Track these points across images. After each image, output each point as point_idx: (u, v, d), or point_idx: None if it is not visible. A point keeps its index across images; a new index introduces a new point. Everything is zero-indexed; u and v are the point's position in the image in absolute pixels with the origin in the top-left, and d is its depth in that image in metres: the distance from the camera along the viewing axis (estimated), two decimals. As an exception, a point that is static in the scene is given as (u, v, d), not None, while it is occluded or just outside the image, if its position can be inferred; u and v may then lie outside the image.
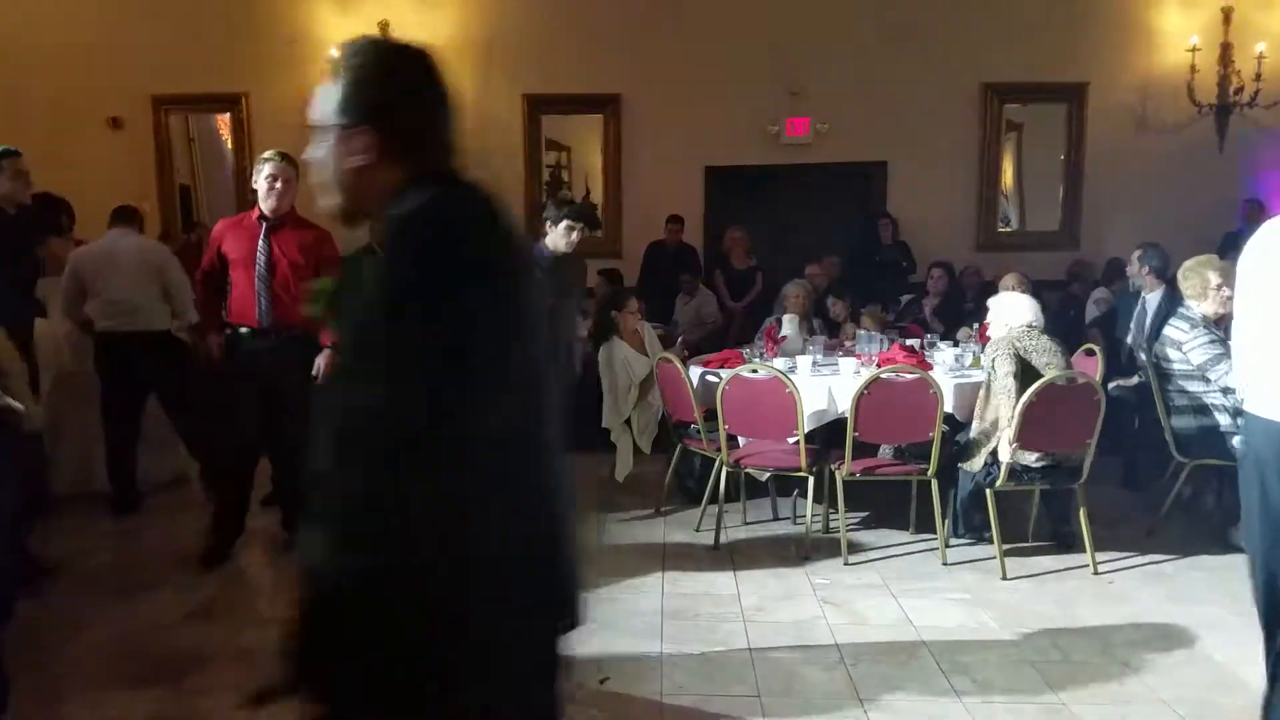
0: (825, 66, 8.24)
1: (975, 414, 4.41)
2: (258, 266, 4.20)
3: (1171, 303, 5.48)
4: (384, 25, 8.25)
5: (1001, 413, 4.13)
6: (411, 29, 8.29)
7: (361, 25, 8.27)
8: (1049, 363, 4.20)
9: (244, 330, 4.24)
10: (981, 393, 4.38)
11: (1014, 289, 5.44)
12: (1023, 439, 4.06)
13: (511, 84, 8.40)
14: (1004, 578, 4.11)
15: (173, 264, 5.21)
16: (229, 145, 8.63)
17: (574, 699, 3.00)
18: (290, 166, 4.18)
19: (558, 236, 4.60)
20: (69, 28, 8.34)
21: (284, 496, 4.48)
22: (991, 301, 4.64)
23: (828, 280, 7.36)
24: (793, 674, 3.25)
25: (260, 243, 4.21)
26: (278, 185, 4.19)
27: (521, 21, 8.30)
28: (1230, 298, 4.61)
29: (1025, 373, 4.15)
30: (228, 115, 8.62)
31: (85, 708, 3.05)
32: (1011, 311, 4.40)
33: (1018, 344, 4.23)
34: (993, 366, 4.24)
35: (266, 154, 4.27)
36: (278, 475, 4.52)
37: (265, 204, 4.21)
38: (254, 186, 4.28)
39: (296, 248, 4.24)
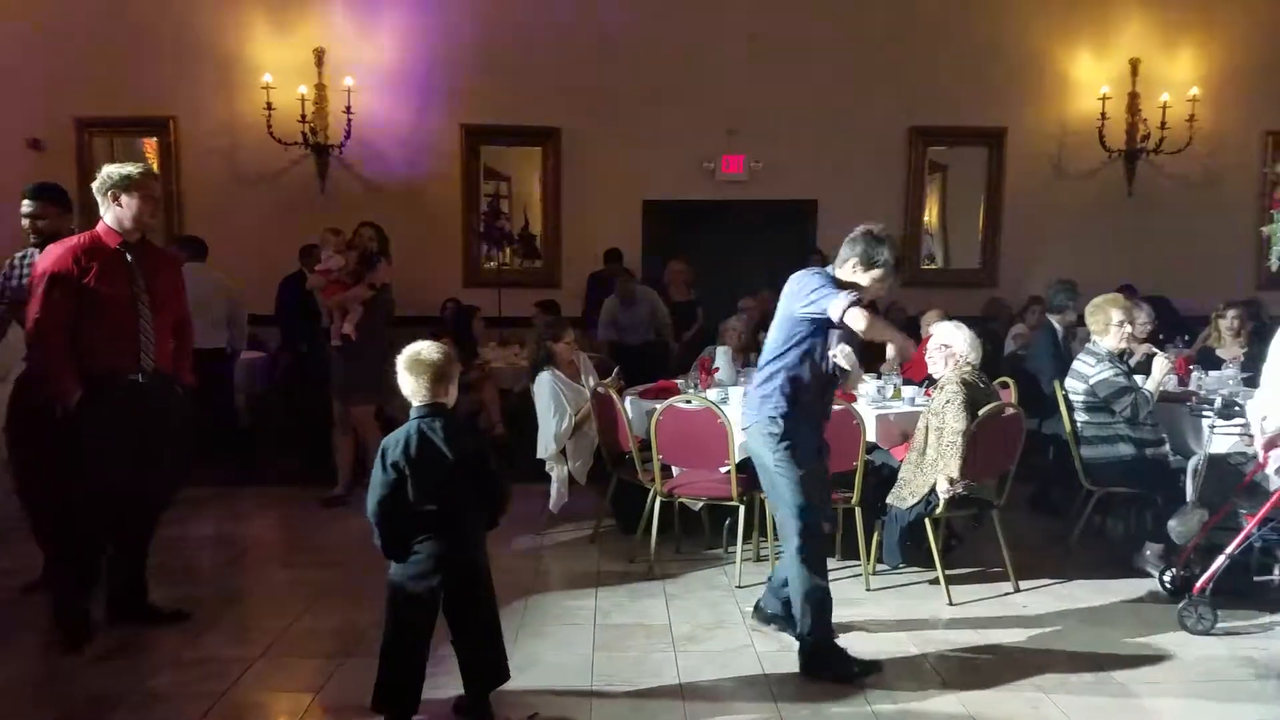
0: (760, 107, 8.49)
1: (914, 448, 4.39)
2: (140, 304, 3.71)
3: (1055, 335, 5.78)
4: (320, 52, 8.25)
5: (946, 458, 4.14)
6: (349, 56, 8.32)
7: (297, 51, 8.27)
8: (981, 398, 4.28)
9: (120, 379, 3.66)
10: (921, 433, 4.34)
11: (936, 325, 5.62)
12: (966, 469, 4.14)
13: (450, 114, 8.47)
14: (950, 602, 4.23)
15: None
16: (156, 169, 8.47)
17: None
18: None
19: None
20: (-9, 47, 8.18)
21: (129, 557, 3.95)
22: (940, 333, 4.58)
23: (760, 314, 7.52)
24: (721, 704, 3.31)
25: (134, 274, 3.70)
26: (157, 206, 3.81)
27: (461, 52, 8.38)
28: (1131, 334, 4.90)
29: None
30: (154, 139, 8.49)
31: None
32: (965, 347, 4.40)
33: (967, 393, 4.21)
34: (943, 413, 4.19)
35: (138, 168, 3.76)
36: (126, 530, 3.92)
37: (134, 226, 3.71)
38: (119, 205, 3.69)
39: (164, 278, 3.84)
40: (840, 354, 3.52)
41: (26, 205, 4.04)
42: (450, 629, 3.06)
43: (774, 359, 3.55)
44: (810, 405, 3.57)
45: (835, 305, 3.31)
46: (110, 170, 3.75)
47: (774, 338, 3.59)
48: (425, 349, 2.99)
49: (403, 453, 2.91)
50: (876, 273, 3.47)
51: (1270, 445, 3.73)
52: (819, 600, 3.49)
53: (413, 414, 2.98)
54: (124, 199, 3.69)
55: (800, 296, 3.44)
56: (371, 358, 5.63)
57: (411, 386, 2.97)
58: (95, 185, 3.74)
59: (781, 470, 3.49)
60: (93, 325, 3.63)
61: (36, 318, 3.60)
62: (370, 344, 5.70)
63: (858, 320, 3.28)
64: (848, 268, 3.50)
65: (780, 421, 3.49)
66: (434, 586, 2.95)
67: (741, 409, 3.78)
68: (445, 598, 2.97)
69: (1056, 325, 5.93)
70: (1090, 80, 8.71)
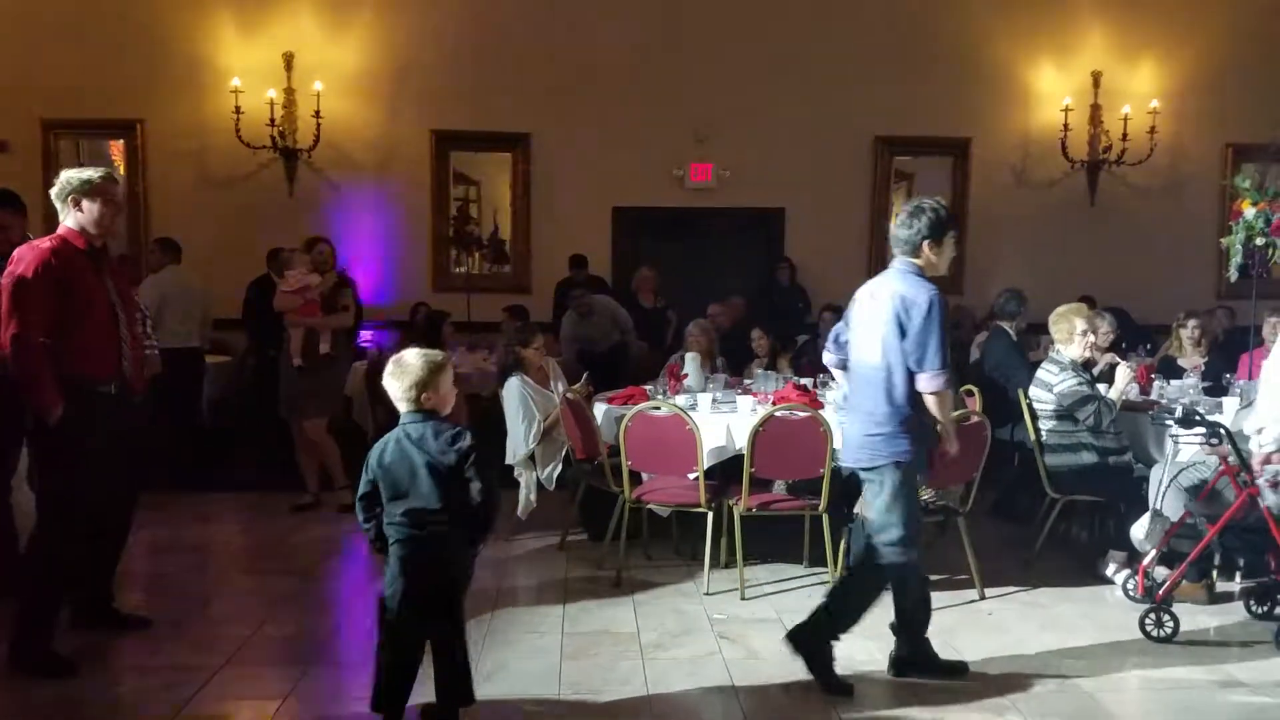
0: (728, 115, 8.54)
1: None
2: (116, 309, 3.65)
3: (1005, 340, 5.87)
4: (289, 56, 8.19)
5: None
6: (318, 60, 8.26)
7: (266, 54, 8.21)
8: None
9: (100, 387, 3.58)
10: None
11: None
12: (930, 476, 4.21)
13: (419, 118, 8.44)
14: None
15: None
16: (121, 172, 8.37)
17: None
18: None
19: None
20: (-47, 47, 8.05)
21: (103, 565, 3.90)
22: None
23: (730, 320, 7.56)
24: (688, 712, 3.32)
25: (106, 281, 3.65)
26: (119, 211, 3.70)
27: (431, 57, 8.36)
28: (1094, 344, 4.98)
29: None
30: (121, 141, 8.38)
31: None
32: None
33: None
34: None
35: (98, 173, 3.66)
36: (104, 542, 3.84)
37: (98, 231, 3.62)
38: (80, 210, 3.57)
39: (124, 282, 3.79)
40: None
41: None
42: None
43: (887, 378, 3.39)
44: None
45: (931, 379, 3.31)
46: (70, 175, 3.64)
47: (884, 356, 3.40)
48: (408, 356, 2.98)
49: (376, 458, 2.93)
50: (951, 235, 3.45)
51: (1267, 460, 3.80)
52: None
53: (401, 420, 2.98)
54: (85, 204, 3.58)
55: (913, 337, 3.32)
56: (331, 373, 5.88)
57: (395, 393, 2.96)
58: (54, 191, 3.62)
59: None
60: (75, 332, 3.50)
61: (17, 327, 3.40)
62: (333, 361, 5.85)
63: (938, 405, 3.35)
64: (926, 250, 3.42)
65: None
66: (400, 591, 2.92)
67: (866, 427, 3.48)
68: (415, 603, 2.92)
69: (1009, 330, 6.02)
70: (1053, 91, 8.85)
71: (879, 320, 3.41)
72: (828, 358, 3.85)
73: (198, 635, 3.94)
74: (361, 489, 3.00)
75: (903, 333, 3.33)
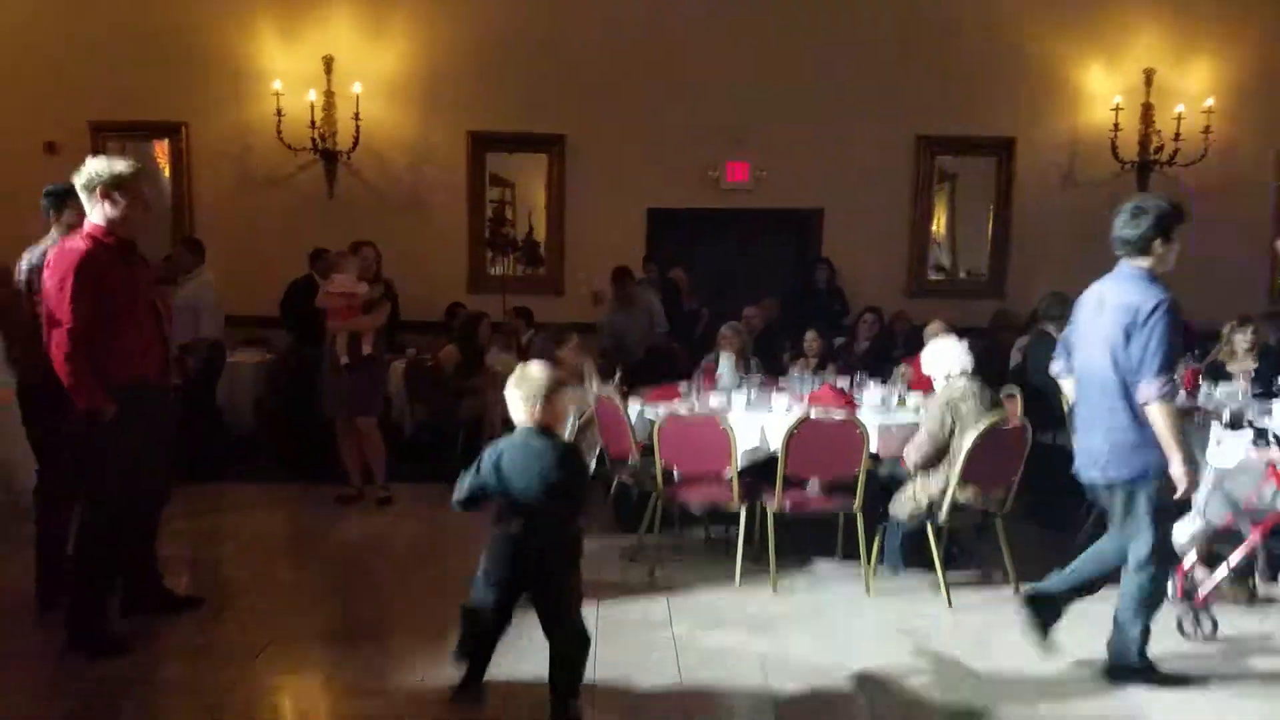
0: (765, 115, 8.47)
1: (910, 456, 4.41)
2: (155, 305, 3.66)
3: (1049, 344, 5.71)
4: (329, 59, 8.30)
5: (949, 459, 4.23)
6: (357, 64, 8.37)
7: (306, 59, 8.33)
8: (979, 408, 4.27)
9: (143, 384, 3.59)
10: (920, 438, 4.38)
11: (938, 336, 5.60)
12: (965, 476, 4.18)
13: (456, 120, 8.49)
14: (950, 606, 4.24)
15: None
16: (166, 174, 8.55)
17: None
18: None
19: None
20: (8, 53, 8.27)
21: (142, 552, 3.94)
22: (925, 353, 4.65)
23: (765, 321, 7.51)
24: (720, 703, 3.30)
25: (139, 277, 3.63)
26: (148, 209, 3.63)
27: (467, 59, 8.42)
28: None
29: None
30: (165, 143, 8.55)
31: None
32: (947, 360, 4.45)
33: (953, 403, 4.29)
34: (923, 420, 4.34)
35: (128, 166, 3.58)
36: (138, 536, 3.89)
37: (126, 230, 3.56)
38: (109, 203, 3.51)
39: (149, 278, 3.74)
40: None
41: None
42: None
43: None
44: None
45: (1147, 387, 3.19)
46: (98, 166, 3.52)
47: (1114, 366, 3.32)
48: (532, 368, 3.07)
49: (492, 463, 3.00)
50: (1177, 231, 3.35)
51: None
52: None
53: (517, 431, 3.06)
54: (114, 198, 3.49)
55: (1136, 343, 3.25)
56: (377, 371, 5.99)
57: (514, 405, 3.04)
58: (81, 181, 3.51)
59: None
60: (117, 332, 3.46)
61: (64, 333, 3.36)
62: (377, 361, 5.97)
63: (1159, 418, 3.19)
64: (1156, 250, 3.33)
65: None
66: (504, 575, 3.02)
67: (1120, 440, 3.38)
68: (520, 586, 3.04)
69: (1053, 333, 5.89)
70: (1103, 91, 8.67)
71: (1108, 328, 3.31)
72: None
73: (244, 618, 4.02)
74: (469, 493, 3.03)
75: (1128, 339, 3.25)
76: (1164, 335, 3.20)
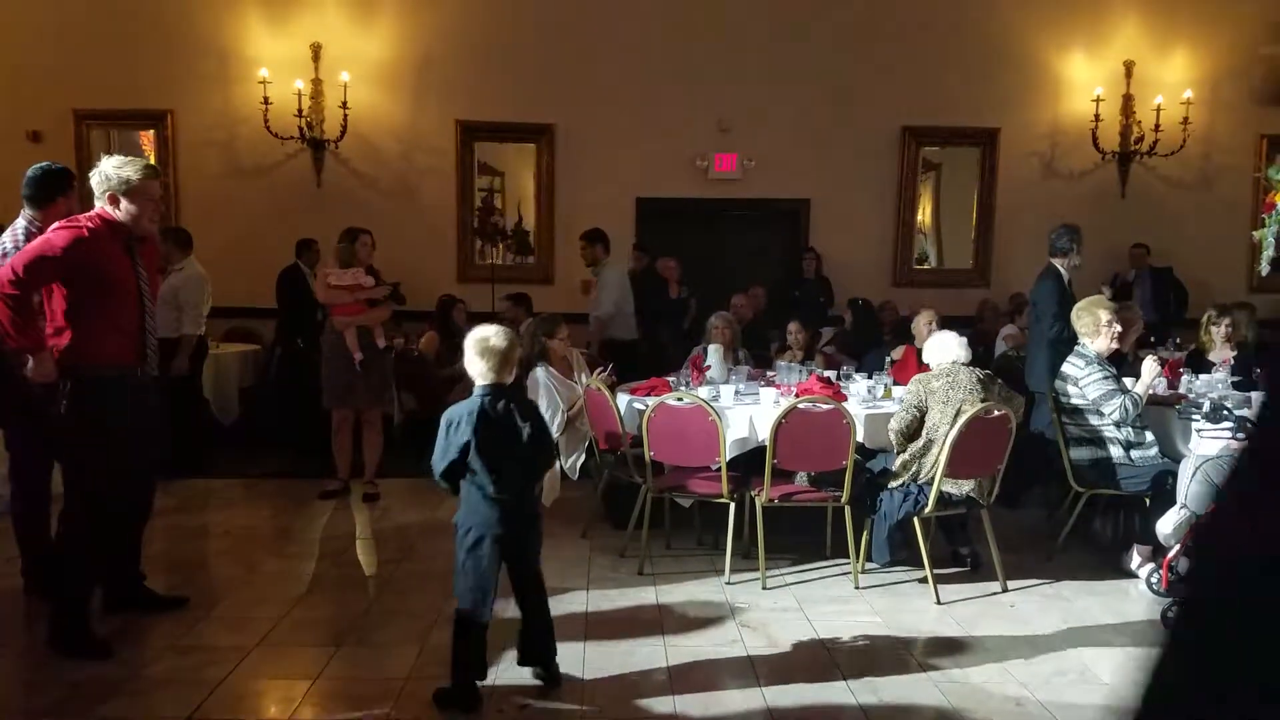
0: (753, 105, 8.50)
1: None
2: (143, 295, 3.66)
3: (1054, 280, 5.72)
4: (316, 47, 8.25)
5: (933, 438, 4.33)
6: (345, 51, 8.32)
7: (294, 46, 8.27)
8: (965, 398, 4.31)
9: (125, 373, 3.59)
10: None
11: (926, 325, 5.67)
12: (950, 467, 4.24)
13: (445, 109, 8.47)
14: (938, 601, 4.27)
15: None
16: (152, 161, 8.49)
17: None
18: None
19: None
20: (-11, 39, 8.19)
21: (128, 548, 3.97)
22: (927, 345, 4.71)
23: (753, 311, 7.55)
24: (710, 697, 3.34)
25: (138, 267, 3.65)
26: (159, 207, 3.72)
27: (456, 48, 8.39)
28: (1120, 334, 4.93)
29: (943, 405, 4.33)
30: (151, 132, 8.49)
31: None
32: (944, 351, 4.52)
33: (926, 379, 4.42)
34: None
35: (138, 170, 3.60)
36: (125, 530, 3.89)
37: (137, 230, 3.63)
38: (118, 209, 3.56)
39: (153, 266, 3.79)
40: None
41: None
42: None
43: None
44: None
45: None
46: (110, 170, 3.56)
47: None
48: (493, 336, 3.21)
49: (471, 426, 3.12)
50: None
51: None
52: None
53: (477, 391, 3.20)
54: (124, 204, 3.54)
55: None
56: (386, 364, 6.10)
57: (479, 368, 3.19)
58: (94, 181, 3.57)
59: None
60: (101, 316, 3.49)
61: (17, 277, 3.33)
62: (387, 352, 6.07)
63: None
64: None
65: None
66: (494, 535, 3.16)
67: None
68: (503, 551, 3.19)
69: (1062, 270, 5.80)
70: (1084, 81, 8.74)
71: None
72: None
73: (230, 616, 4.02)
74: (450, 459, 3.12)
75: None
76: None
